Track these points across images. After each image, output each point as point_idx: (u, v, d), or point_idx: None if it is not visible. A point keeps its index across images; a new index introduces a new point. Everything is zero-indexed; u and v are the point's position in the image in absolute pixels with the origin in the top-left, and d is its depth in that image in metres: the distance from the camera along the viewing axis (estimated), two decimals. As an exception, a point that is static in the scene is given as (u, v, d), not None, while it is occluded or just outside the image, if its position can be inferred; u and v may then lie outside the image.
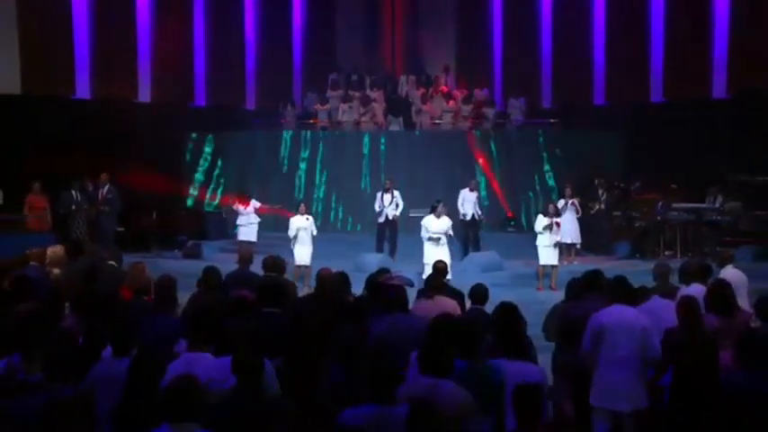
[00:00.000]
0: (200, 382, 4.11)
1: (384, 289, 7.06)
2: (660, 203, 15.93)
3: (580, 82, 20.52)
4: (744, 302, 7.47)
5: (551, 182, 17.47)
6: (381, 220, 15.66)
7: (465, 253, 15.41)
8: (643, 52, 19.35)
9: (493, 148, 18.28)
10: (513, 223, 17.89)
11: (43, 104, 17.00)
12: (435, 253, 12.42)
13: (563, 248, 14.97)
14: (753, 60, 17.37)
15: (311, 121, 19.95)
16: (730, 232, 15.58)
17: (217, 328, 5.37)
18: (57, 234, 14.27)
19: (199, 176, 19.25)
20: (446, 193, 15.91)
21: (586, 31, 20.48)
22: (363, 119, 19.43)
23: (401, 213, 15.67)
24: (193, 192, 19.23)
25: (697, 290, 7.02)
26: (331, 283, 7.59)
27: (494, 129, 19.51)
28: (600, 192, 16.46)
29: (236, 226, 15.64)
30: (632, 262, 15.16)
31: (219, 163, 19.05)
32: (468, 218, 15.67)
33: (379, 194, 15.81)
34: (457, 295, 7.48)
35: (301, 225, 13.89)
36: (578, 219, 15.46)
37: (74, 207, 15.32)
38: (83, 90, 18.00)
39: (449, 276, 10.50)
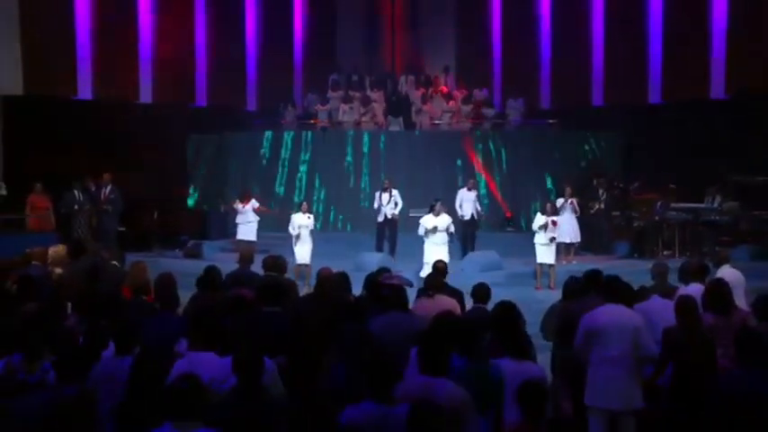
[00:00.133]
0: (202, 381, 4.12)
1: (382, 288, 7.12)
2: (659, 203, 15.98)
3: (579, 83, 20.53)
4: (741, 302, 7.47)
5: (550, 182, 17.50)
6: (380, 219, 15.74)
7: (464, 253, 15.48)
8: (641, 53, 19.36)
9: (492, 148, 18.32)
10: (511, 223, 17.94)
11: (45, 105, 17.04)
12: (435, 252, 12.52)
13: (562, 248, 15.06)
14: (751, 61, 17.39)
15: (312, 122, 20.01)
16: (728, 232, 15.64)
17: (217, 328, 5.38)
18: (59, 234, 14.35)
19: (199, 176, 19.32)
20: (445, 192, 16.02)
21: (585, 32, 20.49)
22: (364, 119, 19.49)
23: (400, 212, 15.75)
24: (194, 192, 19.29)
25: (695, 289, 7.05)
26: (331, 283, 7.65)
27: (492, 129, 19.58)
28: (600, 192, 16.53)
29: (235, 224, 15.73)
30: (631, 261, 15.21)
31: (220, 163, 19.09)
32: (467, 217, 15.76)
33: (377, 194, 15.91)
34: (456, 294, 7.51)
35: (303, 223, 13.98)
36: (577, 218, 15.52)
37: (76, 207, 15.38)
38: (84, 91, 18.04)
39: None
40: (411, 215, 15.68)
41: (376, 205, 15.84)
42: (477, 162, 18.17)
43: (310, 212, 14.40)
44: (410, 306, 6.95)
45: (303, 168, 18.36)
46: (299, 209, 14.37)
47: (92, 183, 15.94)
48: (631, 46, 19.54)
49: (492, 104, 20.51)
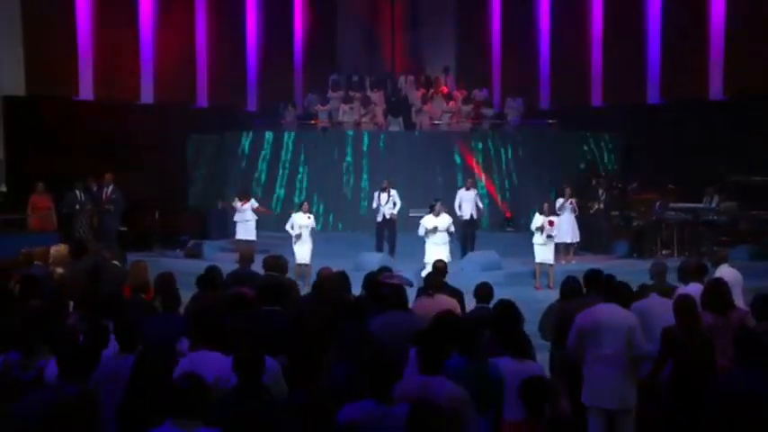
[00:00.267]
0: (204, 380, 4.12)
1: (381, 287, 7.15)
2: (657, 203, 16.03)
3: (578, 83, 20.57)
4: (739, 301, 7.49)
5: (549, 182, 17.54)
6: (379, 219, 15.79)
7: (464, 252, 15.53)
8: (640, 54, 19.39)
9: (491, 148, 18.37)
10: (511, 223, 17.99)
11: (46, 105, 17.07)
12: (436, 252, 12.60)
13: (561, 248, 15.11)
14: (749, 62, 17.42)
15: (312, 122, 20.06)
16: (727, 232, 15.68)
17: (218, 327, 5.40)
18: (60, 233, 14.39)
19: (200, 177, 19.35)
20: (445, 193, 16.08)
21: (584, 32, 20.53)
22: (364, 119, 19.53)
23: (399, 212, 15.80)
24: (195, 192, 19.32)
25: (695, 289, 7.07)
26: (330, 282, 7.69)
27: (492, 129, 19.63)
28: (600, 192, 16.59)
29: (233, 223, 15.79)
30: (630, 261, 15.24)
31: (220, 163, 19.13)
32: (466, 217, 15.82)
33: (376, 194, 15.97)
34: (456, 294, 7.53)
35: (303, 223, 14.03)
36: (577, 218, 15.57)
37: (77, 207, 15.41)
38: (85, 91, 18.07)
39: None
40: (411, 215, 15.74)
41: (375, 205, 15.90)
42: (477, 162, 18.21)
43: (311, 212, 14.45)
44: (410, 305, 6.99)
45: (303, 169, 18.37)
46: (299, 209, 14.42)
47: (93, 183, 15.99)
48: (630, 46, 19.57)
49: (491, 104, 20.56)
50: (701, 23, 18.31)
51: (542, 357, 6.65)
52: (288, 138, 18.65)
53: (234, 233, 15.72)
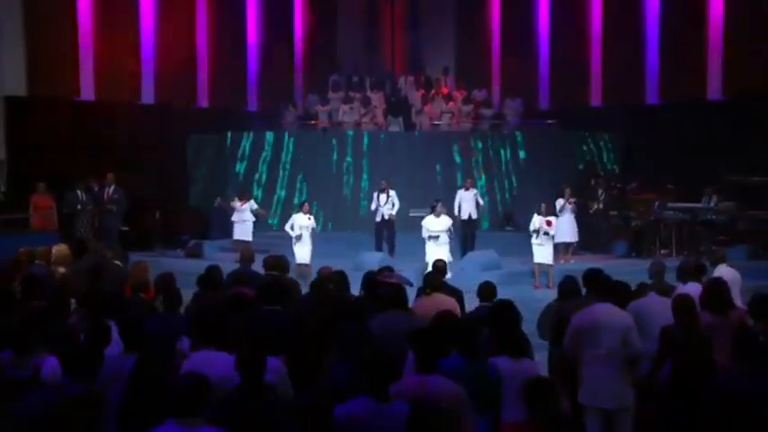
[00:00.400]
0: (205, 379, 4.11)
1: (379, 287, 7.18)
2: (656, 203, 16.08)
3: (577, 83, 20.60)
4: (737, 301, 7.47)
5: (548, 182, 17.57)
6: (378, 219, 15.84)
7: (463, 252, 15.58)
8: (639, 54, 19.40)
9: (490, 148, 18.40)
10: (511, 223, 18.02)
11: (48, 106, 17.11)
12: (436, 252, 12.67)
13: (561, 248, 15.16)
14: (748, 62, 17.44)
15: (312, 122, 20.11)
16: (725, 231, 15.72)
17: (220, 327, 5.40)
18: (60, 233, 14.44)
19: (200, 177, 19.38)
20: (445, 193, 16.15)
21: (583, 32, 20.55)
22: (364, 120, 19.57)
23: (399, 212, 15.84)
24: (195, 192, 19.36)
25: (693, 288, 7.10)
26: (328, 282, 7.72)
27: (491, 129, 19.67)
28: (599, 191, 16.63)
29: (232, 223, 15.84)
30: (629, 261, 15.28)
31: (221, 163, 19.16)
32: (465, 217, 15.87)
33: (375, 194, 16.01)
34: (455, 293, 7.56)
35: (303, 224, 14.09)
36: (576, 218, 15.61)
37: (79, 207, 15.46)
38: (87, 92, 18.11)
39: (449, 275, 10.68)
40: (411, 215, 15.81)
41: (373, 207, 15.94)
42: (477, 162, 18.24)
43: (311, 213, 14.49)
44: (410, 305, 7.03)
45: (303, 169, 18.38)
46: (299, 209, 14.46)
47: (95, 183, 16.04)
48: (630, 46, 19.59)
49: (490, 105, 20.60)
50: (699, 24, 18.32)
51: (540, 356, 6.70)
52: (288, 138, 18.69)
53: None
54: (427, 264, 12.44)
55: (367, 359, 4.45)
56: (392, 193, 15.82)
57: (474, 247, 15.83)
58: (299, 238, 14.00)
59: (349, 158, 18.33)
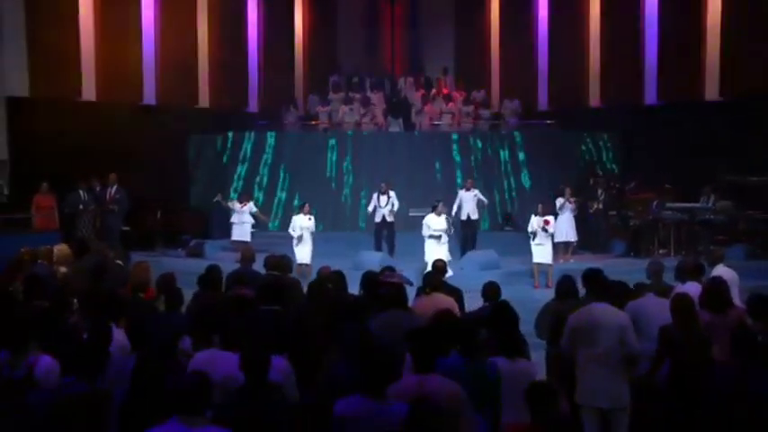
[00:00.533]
0: (208, 377, 4.12)
1: (379, 286, 7.22)
2: (654, 203, 16.11)
3: (576, 84, 20.64)
4: (735, 301, 7.45)
5: (548, 182, 17.60)
6: (378, 219, 15.87)
7: (463, 252, 15.62)
8: (638, 54, 19.42)
9: (490, 149, 18.44)
10: (510, 223, 18.07)
11: (50, 106, 17.15)
12: (436, 252, 12.72)
13: (560, 247, 15.21)
14: (747, 62, 17.46)
15: (313, 123, 20.16)
16: (723, 231, 15.75)
17: (220, 326, 5.43)
18: (61, 233, 14.49)
19: (201, 177, 19.42)
20: (445, 193, 16.19)
21: (582, 33, 20.59)
22: (364, 120, 19.62)
23: (398, 212, 15.87)
24: (196, 192, 19.40)
25: (692, 288, 7.12)
26: (325, 282, 7.76)
27: (491, 130, 19.71)
28: (599, 191, 16.67)
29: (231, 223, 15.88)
30: (627, 260, 15.30)
31: (221, 164, 19.20)
32: (464, 218, 15.91)
33: (375, 195, 16.04)
34: (455, 292, 7.59)
35: (304, 225, 14.16)
36: (575, 218, 15.65)
37: (81, 207, 15.51)
38: (89, 92, 18.16)
39: (450, 273, 10.73)
40: (411, 215, 15.85)
41: (371, 207, 15.97)
42: (476, 163, 18.28)
43: (311, 214, 14.55)
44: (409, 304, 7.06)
45: (303, 169, 18.42)
46: (300, 210, 14.52)
47: (97, 183, 16.08)
48: (628, 47, 19.62)
49: (489, 105, 20.65)
50: (698, 24, 18.34)
51: (538, 356, 6.72)
52: (288, 138, 18.72)
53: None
54: (426, 263, 12.49)
55: (366, 358, 4.47)
56: (392, 194, 15.86)
57: (475, 247, 15.85)
58: (300, 238, 14.07)
59: (349, 158, 18.37)
